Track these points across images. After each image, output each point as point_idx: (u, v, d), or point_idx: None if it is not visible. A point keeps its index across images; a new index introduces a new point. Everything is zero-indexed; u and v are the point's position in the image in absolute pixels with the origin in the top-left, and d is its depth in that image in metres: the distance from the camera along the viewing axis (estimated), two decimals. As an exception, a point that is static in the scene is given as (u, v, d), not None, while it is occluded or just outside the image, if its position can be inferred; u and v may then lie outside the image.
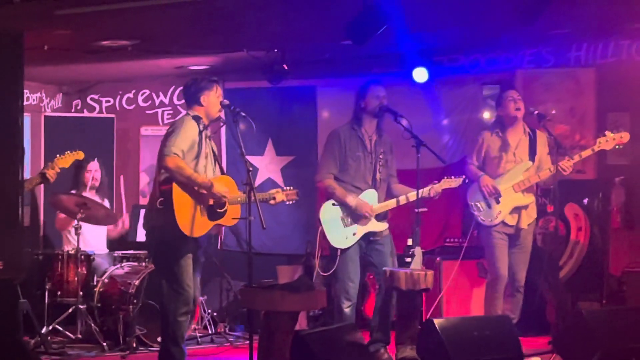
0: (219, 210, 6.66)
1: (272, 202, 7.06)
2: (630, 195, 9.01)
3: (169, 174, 6.46)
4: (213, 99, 6.79)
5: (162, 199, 6.45)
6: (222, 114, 6.90)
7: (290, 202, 7.18)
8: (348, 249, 7.52)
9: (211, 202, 6.60)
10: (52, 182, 8.00)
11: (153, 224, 6.61)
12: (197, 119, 6.68)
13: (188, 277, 6.59)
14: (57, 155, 8.15)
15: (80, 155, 8.29)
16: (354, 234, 7.54)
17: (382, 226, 7.61)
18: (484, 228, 8.09)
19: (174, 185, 6.44)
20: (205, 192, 6.52)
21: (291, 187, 7.25)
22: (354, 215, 7.53)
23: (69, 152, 8.21)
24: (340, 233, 7.54)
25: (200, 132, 6.63)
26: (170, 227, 6.44)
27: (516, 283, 8.02)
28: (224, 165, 10.21)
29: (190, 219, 6.49)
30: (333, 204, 7.58)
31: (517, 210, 7.97)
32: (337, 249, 7.52)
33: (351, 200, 7.51)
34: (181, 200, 6.46)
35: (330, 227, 7.56)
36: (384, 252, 7.62)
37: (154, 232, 6.63)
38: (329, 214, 7.57)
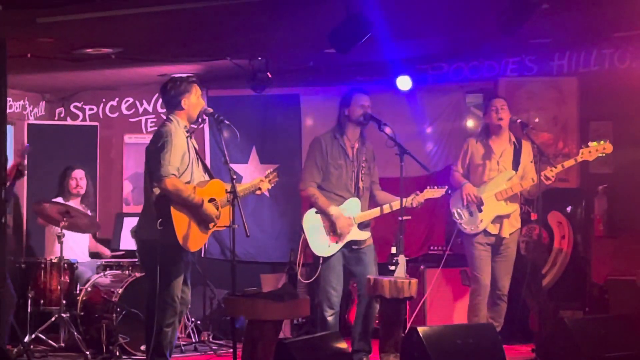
0: None
1: (258, 192, 7.06)
2: (613, 203, 9.04)
3: (167, 195, 6.44)
4: (194, 101, 6.77)
5: (161, 219, 6.43)
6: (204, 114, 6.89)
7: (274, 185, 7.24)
8: (330, 257, 7.52)
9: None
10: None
11: (148, 237, 6.58)
12: (181, 125, 6.67)
13: (179, 289, 6.64)
14: None
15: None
16: (337, 242, 7.53)
17: (365, 235, 7.60)
18: (466, 237, 8.10)
19: (171, 206, 6.44)
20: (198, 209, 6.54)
21: (271, 170, 7.24)
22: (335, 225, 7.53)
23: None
24: (322, 241, 7.53)
25: (187, 139, 6.63)
26: (171, 244, 6.44)
27: (499, 291, 8.04)
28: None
29: (189, 234, 6.51)
30: (316, 212, 7.57)
31: (499, 219, 7.99)
32: (319, 256, 7.52)
33: (333, 210, 7.50)
34: (180, 218, 6.47)
35: (313, 234, 7.55)
36: (366, 261, 7.60)
37: (149, 245, 6.57)
38: (312, 222, 7.57)
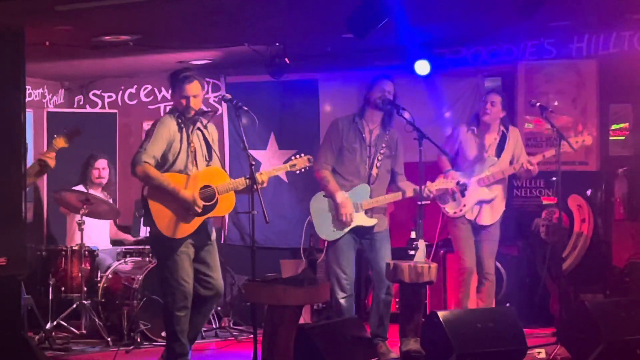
0: (208, 203, 6.66)
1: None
2: (633, 186, 9.01)
3: (141, 181, 6.60)
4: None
5: (142, 208, 6.62)
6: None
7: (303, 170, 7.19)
8: (336, 241, 7.50)
9: (196, 198, 6.59)
10: (52, 167, 7.80)
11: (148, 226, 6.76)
12: (174, 113, 6.72)
13: (184, 272, 6.61)
14: (55, 136, 8.01)
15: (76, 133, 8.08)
16: (341, 230, 7.51)
17: (372, 221, 7.50)
18: (449, 219, 8.15)
19: (148, 192, 6.57)
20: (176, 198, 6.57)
21: (301, 155, 7.16)
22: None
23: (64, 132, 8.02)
24: (328, 225, 7.50)
25: (180, 129, 6.65)
26: (156, 231, 6.57)
27: (483, 271, 8.05)
28: (226, 159, 10.23)
29: (169, 222, 6.56)
30: (324, 195, 7.55)
31: (480, 204, 7.98)
32: (325, 240, 7.52)
33: (339, 196, 7.44)
34: (157, 207, 6.57)
35: (319, 218, 7.53)
36: (377, 249, 7.54)
37: (150, 233, 6.75)
38: (319, 205, 7.55)
